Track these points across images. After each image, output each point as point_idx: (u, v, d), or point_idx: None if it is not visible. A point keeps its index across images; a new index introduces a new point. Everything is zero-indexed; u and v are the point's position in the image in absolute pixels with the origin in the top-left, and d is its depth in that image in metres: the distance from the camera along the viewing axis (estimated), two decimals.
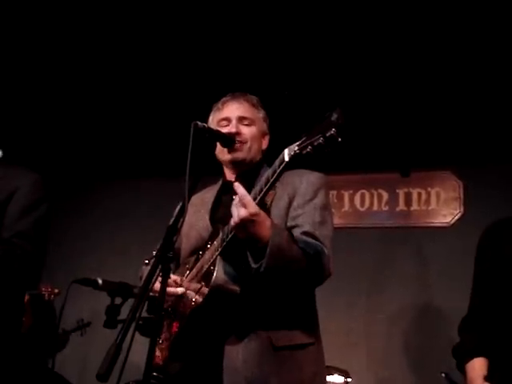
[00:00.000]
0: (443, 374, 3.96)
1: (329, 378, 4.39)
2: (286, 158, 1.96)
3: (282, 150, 2.02)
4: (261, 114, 2.65)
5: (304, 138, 1.89)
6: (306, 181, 2.47)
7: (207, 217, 2.56)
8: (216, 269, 2.21)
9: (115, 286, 2.46)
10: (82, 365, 5.34)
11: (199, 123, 2.33)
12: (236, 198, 2.10)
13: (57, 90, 4.86)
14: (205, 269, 2.30)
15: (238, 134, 2.51)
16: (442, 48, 4.10)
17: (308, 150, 1.87)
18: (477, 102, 4.58)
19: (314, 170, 5.26)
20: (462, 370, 2.59)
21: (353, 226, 5.37)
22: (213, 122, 2.63)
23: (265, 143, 2.66)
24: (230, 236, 2.20)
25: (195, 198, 2.65)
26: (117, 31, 4.16)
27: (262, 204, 2.34)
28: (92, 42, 4.29)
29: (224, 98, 2.66)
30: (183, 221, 2.06)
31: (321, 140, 1.84)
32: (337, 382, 4.42)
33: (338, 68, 4.39)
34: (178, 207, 2.21)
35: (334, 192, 5.53)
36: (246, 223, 2.08)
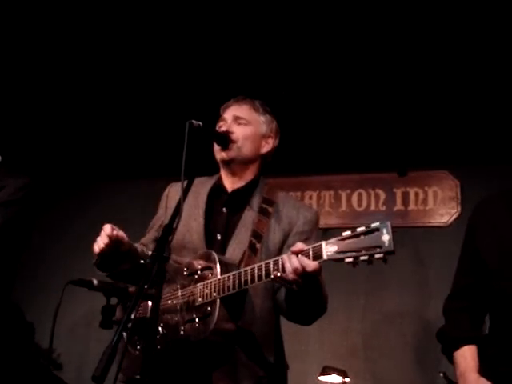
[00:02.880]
0: (441, 374, 3.95)
1: (327, 379, 4.40)
2: (325, 257, 1.94)
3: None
4: (262, 118, 2.63)
5: (347, 243, 1.88)
6: (304, 217, 2.48)
7: (202, 221, 2.51)
8: (216, 313, 2.19)
9: (110, 286, 2.44)
10: (78, 365, 5.32)
11: (194, 122, 2.33)
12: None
13: (54, 93, 4.86)
14: (198, 302, 2.26)
15: (228, 132, 2.51)
16: (439, 48, 4.10)
17: (349, 261, 1.87)
18: (474, 101, 4.58)
19: (311, 169, 5.25)
20: (449, 356, 2.49)
21: (350, 226, 5.31)
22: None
23: (266, 147, 2.63)
24: (242, 287, 2.18)
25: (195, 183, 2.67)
26: (117, 33, 4.17)
27: (257, 234, 2.40)
28: (92, 44, 4.29)
29: (227, 103, 2.68)
30: (179, 221, 2.05)
31: (366, 258, 1.84)
32: (335, 382, 4.43)
33: (337, 68, 4.39)
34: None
35: (332, 192, 5.53)
36: (313, 275, 2.03)
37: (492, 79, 4.33)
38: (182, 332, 2.26)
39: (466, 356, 2.39)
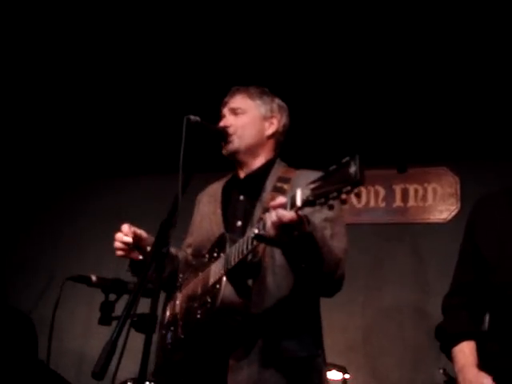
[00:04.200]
0: (441, 370, 3.95)
1: (327, 375, 4.39)
2: (299, 203, 1.84)
3: None
4: (258, 101, 2.64)
5: (318, 185, 1.77)
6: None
7: (219, 211, 2.55)
8: (222, 288, 2.17)
9: (109, 282, 2.45)
10: (78, 361, 5.33)
11: (192, 117, 2.33)
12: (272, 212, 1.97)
13: (52, 90, 4.85)
14: (211, 282, 2.27)
15: (224, 127, 2.55)
16: (438, 44, 4.09)
17: (321, 201, 1.75)
18: (474, 97, 4.57)
19: (312, 165, 5.25)
20: (448, 353, 2.51)
21: (350, 222, 5.29)
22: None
23: (272, 127, 2.62)
24: (241, 257, 2.15)
25: (211, 187, 2.74)
26: (116, 30, 4.15)
27: (267, 210, 2.37)
28: (88, 41, 4.27)
29: (224, 98, 2.70)
30: (177, 216, 2.06)
31: (335, 194, 1.71)
32: (335, 378, 4.42)
33: (338, 64, 4.38)
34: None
35: None
36: (292, 226, 1.95)
37: (492, 75, 4.32)
38: (198, 316, 2.26)
39: (465, 351, 2.40)
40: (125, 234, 2.40)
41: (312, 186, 1.79)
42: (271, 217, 1.93)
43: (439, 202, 5.27)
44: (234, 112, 2.59)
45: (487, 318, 2.50)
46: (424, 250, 5.14)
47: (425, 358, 4.80)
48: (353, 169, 1.66)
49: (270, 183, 2.50)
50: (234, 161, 2.61)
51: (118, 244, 2.41)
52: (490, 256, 2.40)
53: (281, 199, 1.94)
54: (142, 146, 5.52)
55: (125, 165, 5.80)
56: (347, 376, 4.44)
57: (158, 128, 5.15)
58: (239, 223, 2.46)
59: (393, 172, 5.38)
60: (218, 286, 2.20)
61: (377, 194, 5.42)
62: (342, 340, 4.87)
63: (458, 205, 5.20)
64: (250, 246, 2.10)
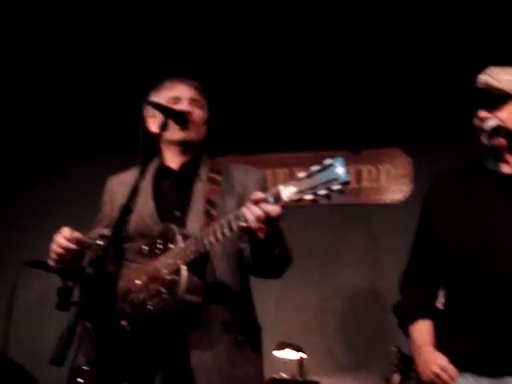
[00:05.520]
0: (394, 348, 4.04)
1: (283, 354, 4.45)
2: (285, 199, 1.94)
3: None
4: (204, 101, 2.65)
5: (302, 182, 1.90)
6: (254, 179, 2.54)
7: (152, 204, 2.50)
8: (182, 280, 2.19)
9: (67, 267, 2.42)
10: (34, 349, 5.26)
11: (152, 100, 2.32)
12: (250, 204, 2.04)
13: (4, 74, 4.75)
14: (163, 274, 2.25)
15: (189, 113, 2.50)
16: (390, 27, 4.14)
17: (309, 197, 1.88)
18: (426, 80, 4.64)
19: (265, 146, 5.23)
20: (405, 329, 2.59)
21: (304, 203, 5.38)
22: (161, 100, 2.57)
23: (206, 128, 2.66)
24: (208, 249, 2.19)
25: (126, 176, 2.62)
26: (64, 12, 4.09)
27: (211, 202, 2.43)
28: (37, 22, 4.20)
29: (171, 79, 2.64)
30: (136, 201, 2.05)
31: (324, 191, 1.86)
32: (291, 358, 4.49)
33: (289, 45, 4.40)
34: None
35: (286, 170, 5.55)
36: (277, 220, 2.04)
37: (444, 58, 4.39)
38: (150, 307, 2.25)
39: (422, 331, 2.47)
40: (67, 239, 2.33)
41: (295, 182, 1.92)
42: (254, 211, 2.00)
43: (392, 183, 5.34)
44: (194, 102, 2.56)
45: (442, 297, 2.58)
46: (378, 231, 5.22)
47: (378, 336, 4.90)
48: (341, 169, 1.85)
49: (203, 173, 2.54)
50: (176, 147, 2.56)
51: (57, 249, 2.32)
52: (444, 236, 2.47)
53: (260, 194, 2.02)
54: (106, 128, 5.42)
55: (90, 147, 5.68)
56: (303, 355, 4.51)
57: (113, 111, 5.09)
58: (177, 213, 2.46)
59: (347, 153, 5.41)
60: (175, 276, 2.21)
61: None
62: (297, 319, 4.93)
63: (412, 186, 5.29)
64: (221, 239, 2.14)
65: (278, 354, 4.41)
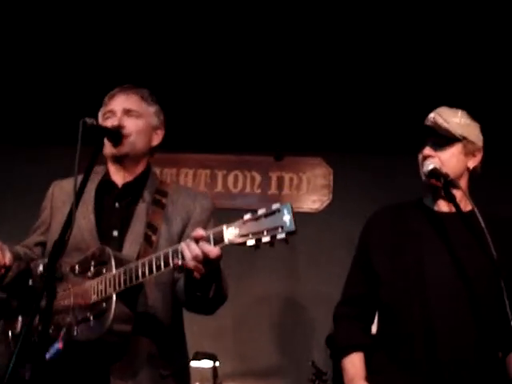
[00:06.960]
0: (310, 363, 4.10)
1: (197, 364, 4.42)
2: (226, 242, 1.88)
3: None
4: (152, 108, 2.54)
5: (246, 226, 1.84)
6: (200, 206, 2.46)
7: (92, 219, 2.40)
8: (112, 309, 2.10)
9: None
10: None
11: (88, 120, 2.21)
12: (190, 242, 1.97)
13: None
14: (92, 299, 2.16)
15: (120, 127, 2.39)
16: (317, 38, 4.15)
17: (251, 244, 1.83)
18: (349, 91, 4.69)
19: (188, 146, 5.14)
20: (337, 361, 2.60)
21: (225, 207, 5.34)
22: (100, 116, 2.51)
23: (156, 139, 2.55)
24: (140, 280, 2.10)
25: (68, 184, 2.50)
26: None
27: (152, 226, 2.34)
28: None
29: (111, 92, 2.54)
30: (70, 233, 1.98)
31: (268, 239, 1.81)
32: (205, 366, 4.46)
33: (218, 47, 4.34)
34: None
35: (208, 171, 5.51)
36: (216, 262, 1.97)
37: (368, 71, 4.45)
38: (75, 333, 2.15)
39: (355, 363, 2.50)
40: None
41: (239, 224, 1.85)
42: (193, 249, 1.93)
43: (312, 192, 5.41)
44: (129, 113, 2.45)
45: (374, 329, 2.62)
46: (296, 239, 5.14)
47: (293, 345, 4.95)
48: (287, 217, 1.79)
49: (147, 194, 2.45)
50: (114, 163, 2.47)
51: None
52: (381, 271, 2.50)
53: (201, 232, 1.95)
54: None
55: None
56: (217, 363, 4.50)
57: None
58: (115, 233, 2.37)
59: (270, 159, 5.44)
60: (104, 305, 2.12)
61: (253, 180, 5.46)
62: (211, 327, 4.88)
63: (330, 196, 5.37)
64: (155, 272, 2.06)
65: (194, 364, 4.36)
